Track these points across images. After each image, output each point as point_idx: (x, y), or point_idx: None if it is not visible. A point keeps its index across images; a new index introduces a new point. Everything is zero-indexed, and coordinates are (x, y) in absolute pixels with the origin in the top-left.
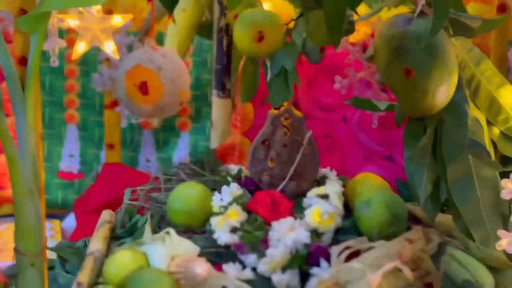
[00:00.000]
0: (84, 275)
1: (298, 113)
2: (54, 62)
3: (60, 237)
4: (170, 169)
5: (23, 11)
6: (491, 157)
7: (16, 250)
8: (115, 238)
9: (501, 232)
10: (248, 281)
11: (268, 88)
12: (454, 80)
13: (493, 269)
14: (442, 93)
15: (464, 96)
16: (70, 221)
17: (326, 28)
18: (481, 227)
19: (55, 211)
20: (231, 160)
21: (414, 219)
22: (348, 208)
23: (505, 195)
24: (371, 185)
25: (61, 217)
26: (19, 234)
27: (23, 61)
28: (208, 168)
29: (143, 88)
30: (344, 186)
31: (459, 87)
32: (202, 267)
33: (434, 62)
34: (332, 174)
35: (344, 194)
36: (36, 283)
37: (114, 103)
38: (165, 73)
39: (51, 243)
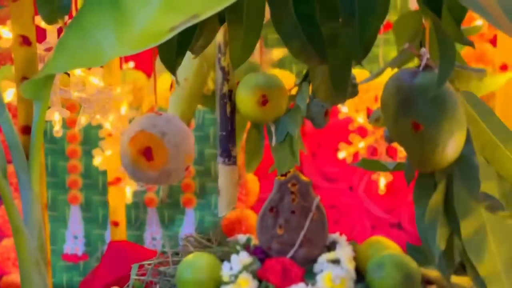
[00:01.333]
0: None
1: (305, 178)
2: (58, 132)
3: None
4: (176, 245)
5: (25, 79)
6: (507, 214)
7: None
8: None
9: None
10: None
11: (273, 155)
12: (464, 132)
13: None
14: (452, 145)
15: (472, 149)
16: None
17: (332, 83)
18: (499, 284)
19: None
20: (238, 233)
21: (427, 282)
22: (359, 273)
23: None
24: (383, 248)
25: None
26: None
27: (26, 130)
28: (215, 240)
29: (148, 154)
30: (354, 251)
31: (467, 140)
32: None
33: (442, 114)
34: (342, 239)
35: (355, 259)
36: None
37: (118, 180)
38: (169, 138)
39: None
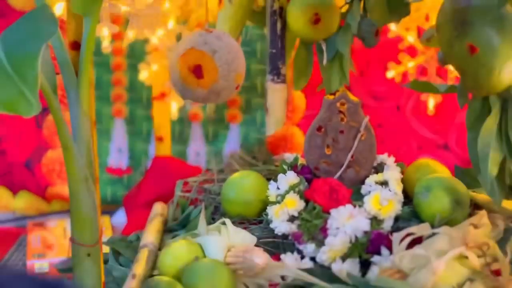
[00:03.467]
0: (139, 267)
1: (354, 98)
2: (107, 48)
3: (111, 233)
4: (221, 161)
5: None
6: None
7: (72, 240)
8: (168, 231)
9: None
10: (307, 271)
11: (323, 74)
12: None
13: None
14: (509, 69)
15: None
16: (120, 217)
17: (387, 2)
18: None
19: (104, 207)
20: (283, 151)
21: (476, 206)
22: (406, 196)
23: None
24: (431, 171)
25: (110, 213)
26: (75, 224)
27: (75, 45)
28: (260, 158)
29: (198, 71)
30: (402, 173)
31: None
32: (260, 257)
33: (500, 37)
34: (390, 160)
35: (402, 181)
36: (93, 273)
37: (163, 95)
38: (220, 56)
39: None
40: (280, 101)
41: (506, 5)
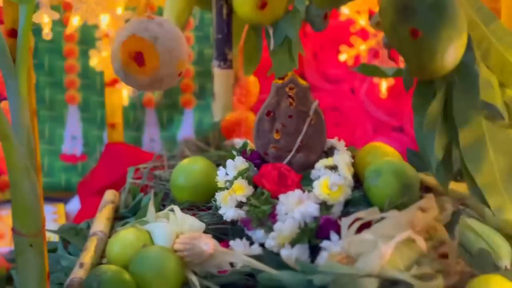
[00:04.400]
0: (87, 256)
1: (303, 82)
2: (47, 35)
3: (65, 221)
4: (174, 147)
5: None
6: (506, 123)
7: (13, 230)
8: (118, 219)
9: None
10: (256, 257)
11: (272, 58)
12: (464, 39)
13: (510, 237)
14: (451, 53)
15: (474, 57)
16: (74, 204)
17: None
18: (497, 194)
19: (59, 194)
20: (237, 136)
21: (426, 189)
22: (357, 180)
23: None
24: (381, 155)
25: (65, 200)
26: (16, 214)
27: (13, 33)
28: (213, 144)
29: (139, 59)
30: (353, 157)
31: (468, 47)
32: (208, 244)
33: (442, 20)
34: (340, 145)
35: (353, 165)
36: (35, 264)
37: (115, 81)
38: (162, 43)
39: (55, 227)
40: (226, 87)
41: None
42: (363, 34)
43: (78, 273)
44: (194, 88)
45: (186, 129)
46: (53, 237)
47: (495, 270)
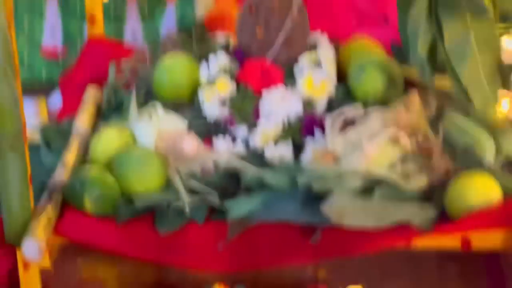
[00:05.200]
0: (70, 155)
1: None
2: None
3: (46, 115)
4: (157, 41)
5: None
6: (490, 19)
7: None
8: (102, 117)
9: (502, 92)
10: (239, 156)
11: None
12: None
13: (493, 131)
14: None
15: None
16: (56, 99)
17: None
18: (481, 90)
19: (40, 87)
20: (222, 30)
21: (411, 84)
22: (341, 77)
23: (505, 57)
24: (365, 50)
25: (46, 94)
26: None
27: None
28: (196, 38)
29: None
30: (336, 51)
31: None
32: (190, 144)
33: None
34: (323, 39)
35: (337, 61)
36: (17, 165)
37: None
38: None
39: (37, 121)
40: None
41: None
42: None
43: (61, 172)
44: None
45: (168, 22)
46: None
47: (479, 166)
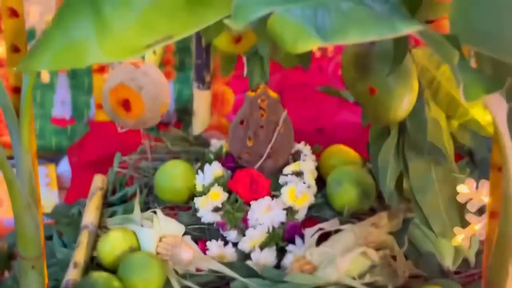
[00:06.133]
0: (80, 254)
1: (273, 94)
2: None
3: (56, 185)
4: (156, 135)
5: (15, 48)
6: (449, 161)
7: (18, 255)
8: (107, 204)
9: (456, 229)
10: (229, 264)
11: (246, 67)
12: (415, 93)
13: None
14: (404, 107)
15: (423, 104)
16: (65, 166)
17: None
18: (440, 220)
19: (50, 155)
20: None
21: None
22: (322, 178)
23: (460, 199)
24: (343, 159)
25: (56, 161)
26: (20, 242)
27: (16, 90)
28: (191, 136)
29: (126, 105)
30: (318, 157)
31: (419, 94)
32: (187, 252)
33: (396, 81)
34: (306, 149)
35: (318, 166)
36: (37, 283)
37: (102, 69)
38: (147, 92)
39: (47, 192)
40: (205, 105)
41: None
42: None
43: (73, 274)
44: (175, 63)
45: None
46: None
47: (440, 271)
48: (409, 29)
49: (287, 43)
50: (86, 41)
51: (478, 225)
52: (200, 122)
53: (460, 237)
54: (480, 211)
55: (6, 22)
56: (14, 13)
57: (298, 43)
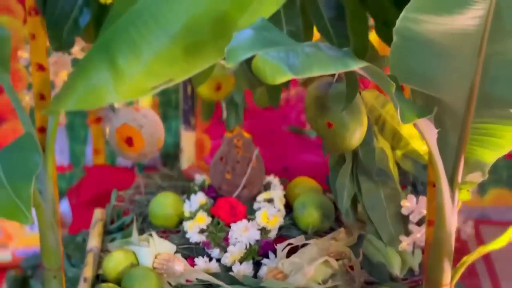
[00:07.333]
0: (88, 271)
1: (247, 135)
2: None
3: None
4: (147, 175)
5: (41, 95)
6: (394, 182)
7: (42, 266)
8: (107, 233)
9: (402, 237)
10: (215, 275)
11: (223, 112)
12: (365, 128)
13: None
14: (356, 138)
15: (371, 135)
16: (64, 206)
17: (268, 97)
18: (387, 230)
19: None
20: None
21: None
22: (289, 204)
23: (404, 211)
24: (306, 188)
25: None
26: (44, 254)
27: (42, 129)
28: (177, 171)
29: (129, 142)
30: (285, 187)
31: (368, 129)
32: (179, 265)
33: (349, 117)
34: (275, 180)
35: (285, 194)
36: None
37: (98, 119)
38: (146, 130)
39: None
40: (190, 143)
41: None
42: None
43: (84, 287)
44: (159, 114)
45: None
46: None
47: (390, 278)
48: (357, 65)
49: (268, 76)
50: (104, 86)
51: (419, 234)
52: (186, 158)
53: (405, 244)
54: (420, 223)
55: (34, 74)
56: (41, 68)
57: (276, 76)
